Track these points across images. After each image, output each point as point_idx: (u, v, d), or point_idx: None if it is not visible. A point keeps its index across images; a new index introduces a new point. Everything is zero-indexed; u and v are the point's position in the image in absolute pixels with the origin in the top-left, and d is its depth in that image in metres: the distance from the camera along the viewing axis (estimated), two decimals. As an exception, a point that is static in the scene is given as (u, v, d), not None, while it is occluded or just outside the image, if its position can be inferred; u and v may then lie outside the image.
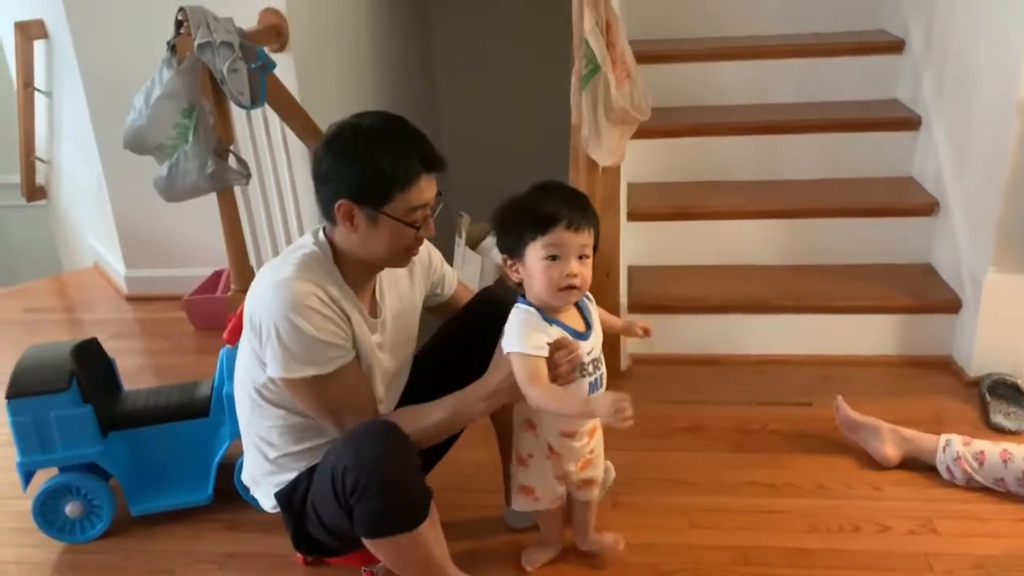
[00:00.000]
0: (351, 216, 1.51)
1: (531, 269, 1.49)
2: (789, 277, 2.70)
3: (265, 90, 2.40)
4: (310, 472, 1.60)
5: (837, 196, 2.76)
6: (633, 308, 2.60)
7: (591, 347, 1.57)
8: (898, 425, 2.11)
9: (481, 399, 1.57)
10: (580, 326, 1.57)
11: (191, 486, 2.02)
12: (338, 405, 1.54)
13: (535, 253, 1.48)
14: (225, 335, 1.93)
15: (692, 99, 3.08)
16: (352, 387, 1.55)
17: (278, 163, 2.69)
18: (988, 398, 2.28)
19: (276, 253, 2.75)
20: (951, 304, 2.49)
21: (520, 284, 1.55)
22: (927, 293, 2.56)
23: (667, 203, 2.83)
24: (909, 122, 2.79)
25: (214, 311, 2.97)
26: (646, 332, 1.71)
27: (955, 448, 2.00)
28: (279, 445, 1.62)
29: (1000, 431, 2.18)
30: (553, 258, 1.47)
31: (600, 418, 1.47)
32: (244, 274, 2.49)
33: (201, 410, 2.01)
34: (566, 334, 1.52)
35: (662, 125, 2.88)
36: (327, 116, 3.09)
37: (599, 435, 1.69)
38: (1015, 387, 2.28)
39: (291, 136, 2.76)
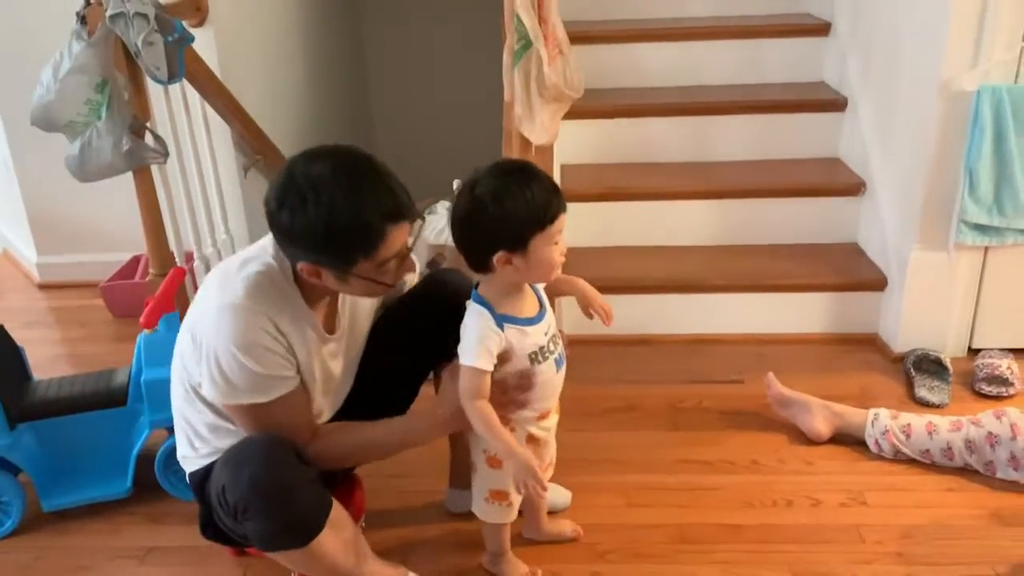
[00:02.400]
0: (317, 272, 1.41)
1: (537, 258, 1.44)
2: (721, 257, 2.71)
3: (183, 65, 2.29)
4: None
5: (766, 177, 2.79)
6: (567, 289, 2.58)
7: (547, 326, 1.54)
8: (828, 401, 2.15)
9: (430, 428, 1.55)
10: (534, 309, 1.54)
11: (108, 479, 1.92)
12: (274, 427, 1.45)
13: (543, 243, 1.44)
14: (142, 319, 1.84)
15: (624, 81, 3.07)
16: (291, 411, 1.48)
17: (198, 141, 2.58)
18: (913, 373, 2.34)
19: (197, 236, 2.65)
20: (877, 282, 2.54)
21: (483, 273, 1.49)
22: (854, 272, 2.60)
23: (600, 184, 2.82)
24: (835, 104, 2.83)
25: (133, 297, 2.84)
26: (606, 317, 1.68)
27: (883, 422, 2.04)
28: (207, 439, 1.54)
29: (925, 405, 2.23)
30: (555, 243, 1.46)
31: (513, 475, 1.48)
32: (163, 258, 2.38)
33: (118, 399, 1.91)
34: (537, 334, 1.51)
35: (595, 106, 2.87)
36: (251, 93, 3.03)
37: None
38: (938, 362, 2.34)
39: (212, 113, 2.65)
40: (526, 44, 2.12)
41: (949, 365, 2.32)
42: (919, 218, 2.33)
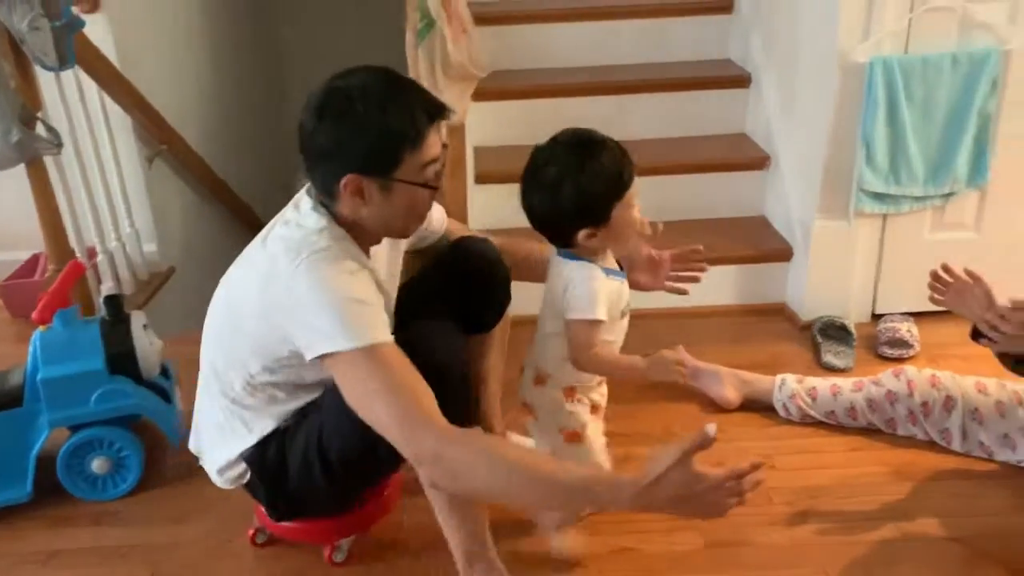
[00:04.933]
0: (360, 191, 1.36)
1: (621, 225, 1.49)
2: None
3: (72, 51, 2.20)
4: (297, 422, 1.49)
5: (676, 154, 2.83)
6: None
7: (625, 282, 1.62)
8: (737, 369, 2.19)
9: (630, 500, 1.25)
10: (615, 264, 1.59)
11: (6, 483, 1.85)
12: (400, 388, 1.29)
13: (623, 210, 1.49)
14: (35, 314, 1.77)
15: (537, 61, 3.07)
16: (412, 372, 1.32)
17: (97, 132, 2.50)
18: (819, 340, 2.41)
19: (100, 230, 2.56)
20: (783, 253, 2.60)
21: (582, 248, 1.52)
22: (761, 243, 2.66)
23: (515, 165, 2.75)
24: (740, 80, 2.89)
25: (34, 296, 2.72)
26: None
27: (790, 386, 2.10)
28: (267, 414, 1.50)
29: (831, 369, 2.30)
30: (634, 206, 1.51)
31: (654, 378, 1.53)
32: (62, 254, 2.30)
33: (13, 399, 1.83)
34: (625, 288, 1.58)
35: (508, 87, 2.87)
36: (152, 81, 2.94)
37: None
38: (843, 328, 2.42)
39: (112, 103, 2.57)
40: (429, 23, 2.11)
41: (853, 330, 2.40)
42: (820, 189, 2.40)
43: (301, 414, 1.50)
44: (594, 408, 1.61)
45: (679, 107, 2.92)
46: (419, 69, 2.15)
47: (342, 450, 1.45)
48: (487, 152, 2.87)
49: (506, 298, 1.74)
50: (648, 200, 2.73)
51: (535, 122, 2.95)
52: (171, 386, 2.03)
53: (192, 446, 1.65)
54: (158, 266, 2.97)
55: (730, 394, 2.14)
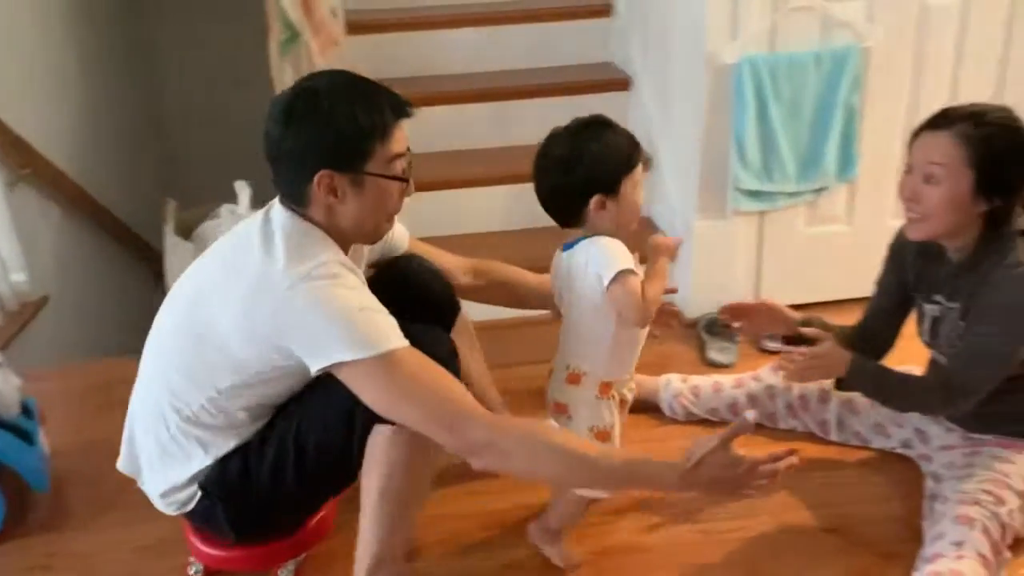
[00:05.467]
0: (333, 188, 1.36)
1: (628, 201, 1.55)
2: (526, 241, 2.73)
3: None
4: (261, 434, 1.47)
5: (562, 158, 2.83)
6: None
7: None
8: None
9: (675, 481, 1.40)
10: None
11: None
12: (433, 388, 1.34)
13: (631, 186, 1.55)
14: None
15: (420, 69, 3.04)
16: (436, 368, 1.36)
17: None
18: (704, 337, 2.44)
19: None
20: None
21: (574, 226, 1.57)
22: (646, 245, 2.68)
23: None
24: (621, 83, 2.91)
25: None
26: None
27: (674, 386, 2.12)
28: (225, 431, 1.46)
29: (716, 366, 2.33)
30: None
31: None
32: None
33: None
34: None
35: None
36: (9, 102, 2.78)
37: None
38: (727, 324, 2.45)
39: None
40: (292, 35, 2.05)
41: (737, 326, 2.43)
42: (698, 189, 2.43)
43: (267, 425, 1.48)
44: (621, 404, 1.64)
45: (562, 112, 2.87)
46: (285, 83, 2.09)
47: (321, 447, 1.44)
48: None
49: (449, 310, 1.78)
50: (531, 207, 2.77)
51: (419, 130, 2.93)
52: (34, 426, 1.91)
53: (124, 467, 1.57)
54: (29, 296, 2.82)
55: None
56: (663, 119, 2.66)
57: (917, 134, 1.64)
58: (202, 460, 1.47)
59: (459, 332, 1.79)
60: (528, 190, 2.77)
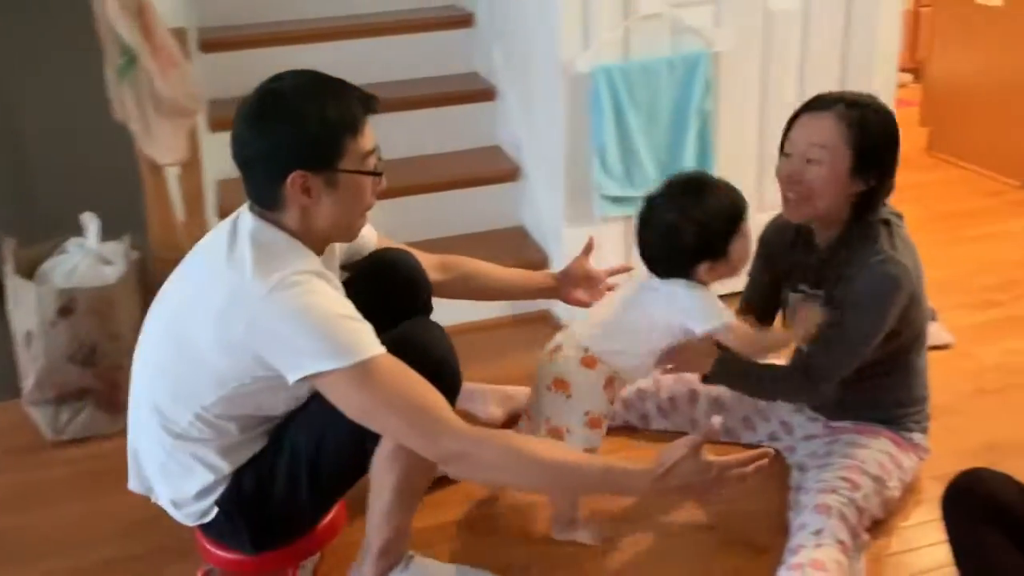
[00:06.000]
0: (307, 189, 1.34)
1: (737, 256, 1.59)
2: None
3: None
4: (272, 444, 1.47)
5: (429, 172, 2.80)
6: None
7: None
8: (506, 382, 2.19)
9: (647, 487, 1.42)
10: None
11: None
12: (410, 396, 1.33)
13: (739, 241, 1.58)
14: None
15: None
16: (413, 375, 1.35)
17: None
18: (580, 343, 2.45)
19: None
20: (541, 262, 2.63)
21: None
22: (520, 254, 2.68)
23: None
24: (486, 93, 2.90)
25: None
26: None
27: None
28: (237, 448, 1.45)
29: (592, 372, 2.35)
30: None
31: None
32: None
33: None
34: None
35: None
36: None
37: None
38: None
39: None
40: (130, 59, 1.95)
41: (611, 330, 2.47)
42: (565, 197, 2.45)
43: (275, 437, 1.48)
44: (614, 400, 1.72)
45: (429, 124, 2.90)
46: (126, 108, 1.98)
47: (336, 451, 1.44)
48: (232, 185, 2.70)
49: (428, 297, 1.76)
50: (402, 222, 2.73)
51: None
52: None
53: (135, 487, 1.55)
54: None
55: (494, 410, 2.13)
56: (528, 128, 2.66)
57: (796, 118, 1.70)
58: (204, 475, 1.45)
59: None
60: (391, 206, 2.75)
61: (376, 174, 1.42)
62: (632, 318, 1.66)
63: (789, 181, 1.68)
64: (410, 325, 1.55)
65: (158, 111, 2.00)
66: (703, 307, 1.58)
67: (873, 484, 1.70)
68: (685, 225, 1.55)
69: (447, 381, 1.45)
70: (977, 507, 1.41)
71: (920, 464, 1.84)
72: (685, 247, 1.56)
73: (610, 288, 1.88)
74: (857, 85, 2.46)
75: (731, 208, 1.57)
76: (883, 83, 2.49)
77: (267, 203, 1.37)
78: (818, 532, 1.59)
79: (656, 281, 1.64)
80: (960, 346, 1.93)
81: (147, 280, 2.18)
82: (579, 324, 1.73)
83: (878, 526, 1.73)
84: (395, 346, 1.37)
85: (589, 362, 1.66)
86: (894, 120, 1.67)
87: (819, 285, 1.75)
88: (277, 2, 3.13)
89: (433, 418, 1.34)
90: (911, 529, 1.76)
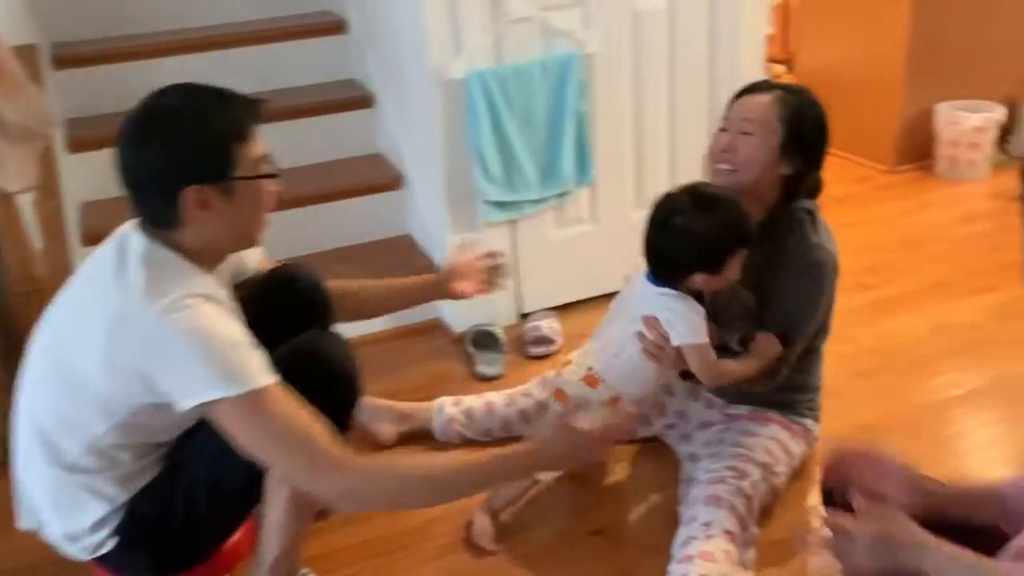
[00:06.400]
0: (204, 203, 1.29)
1: (728, 273, 1.62)
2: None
3: None
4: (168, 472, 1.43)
5: (310, 183, 2.73)
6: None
7: None
8: (399, 397, 2.15)
9: (535, 462, 1.50)
10: None
11: None
12: (293, 430, 1.29)
13: (734, 262, 1.61)
14: None
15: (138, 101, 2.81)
16: (301, 408, 1.31)
17: None
18: (472, 350, 2.43)
19: None
20: (428, 270, 2.58)
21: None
22: (408, 263, 2.65)
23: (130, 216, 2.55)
24: (364, 100, 2.85)
25: None
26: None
27: (447, 411, 2.08)
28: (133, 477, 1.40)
29: (485, 379, 2.33)
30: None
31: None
32: None
33: None
34: None
35: (110, 134, 2.58)
36: None
37: None
38: (492, 335, 2.46)
39: None
40: (-33, 82, 1.81)
41: (501, 336, 2.46)
42: (447, 204, 2.42)
43: (170, 461, 1.44)
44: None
45: (307, 134, 2.82)
46: (-34, 136, 1.85)
47: (234, 473, 1.40)
48: (97, 207, 2.58)
49: (329, 310, 1.72)
50: (284, 237, 2.63)
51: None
52: None
53: (26, 523, 1.47)
54: None
55: (386, 430, 2.08)
56: (406, 135, 2.63)
57: (737, 97, 1.75)
58: (99, 506, 1.39)
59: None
60: (278, 219, 2.65)
61: (271, 176, 1.39)
62: (628, 343, 1.67)
63: (723, 151, 1.73)
64: (308, 336, 1.54)
65: (4, 137, 1.87)
66: (689, 322, 1.62)
67: (761, 471, 1.74)
68: (697, 234, 1.58)
69: (345, 392, 1.47)
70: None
71: (809, 450, 1.89)
72: (689, 254, 1.60)
73: (493, 275, 1.93)
74: (727, 79, 2.52)
75: (744, 230, 1.61)
76: (751, 75, 2.54)
77: (164, 223, 1.32)
78: (707, 524, 1.62)
79: (652, 289, 1.65)
80: (836, 330, 1.99)
81: (4, 316, 2.05)
82: (592, 342, 1.76)
83: (766, 512, 1.77)
84: (291, 357, 1.36)
85: (591, 381, 1.69)
86: (826, 115, 1.74)
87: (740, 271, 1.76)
88: (138, 13, 3.00)
89: (315, 455, 1.30)
90: (796, 514, 1.80)
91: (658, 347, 1.63)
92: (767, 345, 1.70)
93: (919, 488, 1.33)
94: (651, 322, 1.63)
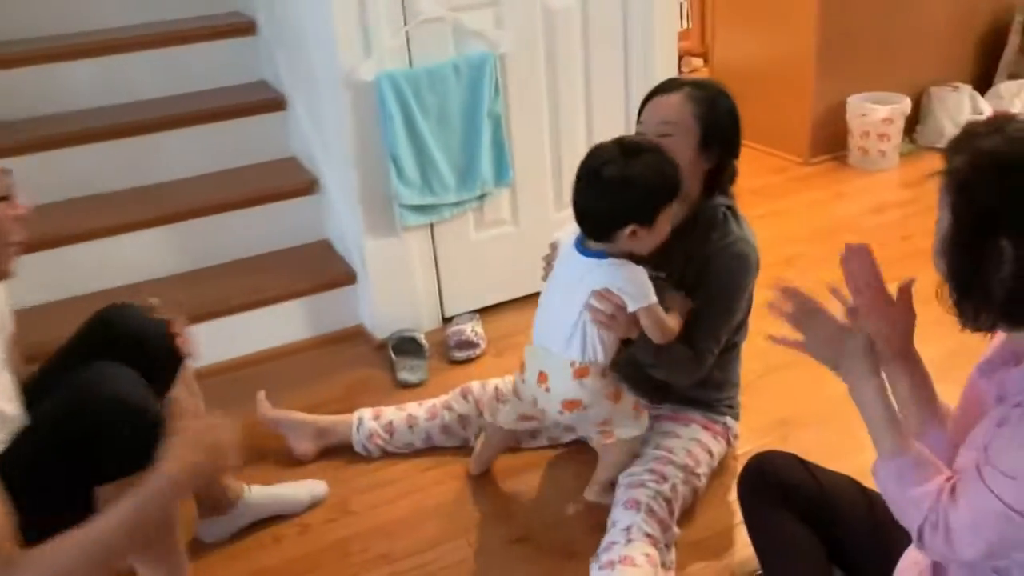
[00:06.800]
0: None
1: (660, 228, 1.60)
2: (181, 286, 2.49)
3: None
4: None
5: (221, 189, 2.64)
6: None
7: None
8: (320, 408, 2.11)
9: (167, 493, 1.28)
10: None
11: None
12: None
13: (665, 216, 1.60)
14: None
15: (41, 108, 2.69)
16: None
17: None
18: (394, 357, 2.39)
19: None
20: (348, 276, 2.55)
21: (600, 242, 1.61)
22: (326, 270, 2.59)
23: (31, 231, 2.43)
24: (276, 103, 2.76)
25: None
26: None
27: (367, 425, 2.04)
28: None
29: (407, 386, 2.30)
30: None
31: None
32: None
33: None
34: None
35: (10, 143, 2.47)
36: None
37: None
38: (415, 340, 2.43)
39: None
40: None
41: (424, 342, 2.42)
42: (363, 209, 2.37)
43: None
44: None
45: (218, 138, 2.73)
46: None
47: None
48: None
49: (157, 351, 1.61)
50: (195, 246, 2.57)
51: (47, 179, 2.60)
52: None
53: None
54: None
55: (304, 447, 2.04)
56: (319, 138, 2.56)
57: (648, 100, 1.73)
58: None
59: (183, 383, 1.71)
60: (182, 230, 2.57)
61: (3, 198, 1.34)
62: (570, 310, 1.65)
63: None
64: (88, 370, 1.43)
65: None
66: (637, 285, 1.60)
67: (681, 474, 1.75)
68: (629, 184, 1.55)
69: (144, 428, 1.36)
70: (768, 488, 1.47)
71: (729, 448, 1.91)
72: (621, 206, 1.57)
73: None
74: (641, 76, 2.53)
75: (674, 179, 1.59)
76: (665, 70, 2.55)
77: None
78: (627, 528, 1.62)
79: (588, 262, 1.63)
80: (753, 324, 2.00)
81: None
82: (540, 338, 1.74)
83: (687, 512, 1.78)
84: (67, 392, 1.33)
85: (582, 372, 1.67)
86: (735, 104, 1.74)
87: (660, 267, 1.74)
88: (38, 16, 2.85)
89: None
90: (717, 512, 1.82)
91: (611, 316, 1.61)
92: (683, 302, 1.71)
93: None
94: (604, 294, 1.61)
